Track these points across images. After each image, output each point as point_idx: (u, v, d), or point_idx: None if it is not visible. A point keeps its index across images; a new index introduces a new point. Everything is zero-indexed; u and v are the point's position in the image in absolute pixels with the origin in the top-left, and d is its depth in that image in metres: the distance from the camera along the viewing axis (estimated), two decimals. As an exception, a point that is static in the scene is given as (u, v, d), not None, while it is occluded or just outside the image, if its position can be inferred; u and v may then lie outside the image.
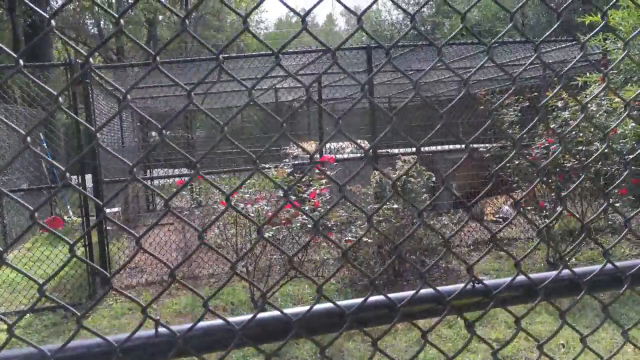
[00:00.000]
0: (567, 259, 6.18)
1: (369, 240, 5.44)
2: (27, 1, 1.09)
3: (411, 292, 0.99)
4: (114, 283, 6.55)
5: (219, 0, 28.70)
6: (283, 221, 5.05)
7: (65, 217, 12.06)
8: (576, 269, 1.08)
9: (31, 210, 0.81)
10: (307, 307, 0.95)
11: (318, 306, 0.95)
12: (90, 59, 0.88)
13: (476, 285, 1.03)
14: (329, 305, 0.96)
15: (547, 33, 1.21)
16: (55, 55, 25.84)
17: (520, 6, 1.31)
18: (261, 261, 5.42)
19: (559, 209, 6.48)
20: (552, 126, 6.33)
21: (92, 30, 31.36)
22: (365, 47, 7.49)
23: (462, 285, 1.04)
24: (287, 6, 1.08)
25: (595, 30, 1.24)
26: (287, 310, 0.97)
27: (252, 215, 5.08)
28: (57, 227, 10.91)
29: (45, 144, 12.11)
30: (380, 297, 0.98)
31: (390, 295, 1.00)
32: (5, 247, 0.85)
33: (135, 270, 6.97)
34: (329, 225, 5.05)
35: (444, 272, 6.36)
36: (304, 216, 5.03)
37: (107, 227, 6.59)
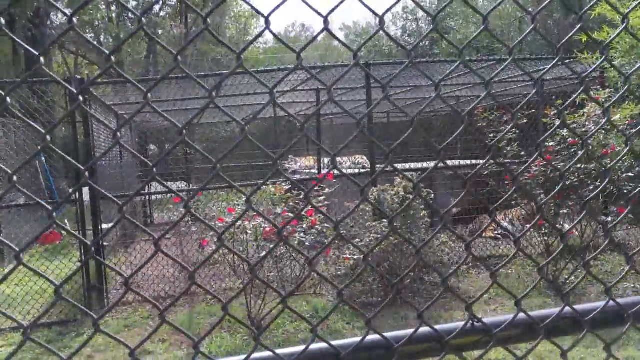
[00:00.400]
0: (567, 276, 6.15)
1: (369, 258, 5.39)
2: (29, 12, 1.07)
3: (409, 331, 0.96)
4: (111, 300, 6.51)
5: (218, 15, 28.87)
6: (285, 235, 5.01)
7: (63, 232, 12.00)
8: (578, 307, 1.06)
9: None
10: (301, 348, 0.92)
11: (313, 346, 0.92)
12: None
13: (476, 324, 1.00)
14: (323, 345, 0.93)
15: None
16: (55, 69, 25.94)
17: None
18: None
19: (560, 226, 6.46)
20: (550, 144, 6.32)
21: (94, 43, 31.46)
22: (364, 64, 7.50)
23: (461, 323, 1.01)
24: (310, 6, 1.04)
25: (615, 35, 1.23)
26: (280, 351, 0.95)
27: (250, 232, 5.05)
28: (55, 241, 10.89)
29: (44, 159, 12.10)
30: (377, 337, 0.95)
31: (388, 334, 0.97)
32: (21, 249, 0.84)
33: (132, 286, 6.90)
34: (326, 242, 5.01)
35: (443, 288, 6.30)
36: (301, 234, 5.00)
37: (104, 243, 6.55)
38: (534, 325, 1.02)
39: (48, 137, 0.85)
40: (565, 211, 6.39)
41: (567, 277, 6.17)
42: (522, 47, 18.84)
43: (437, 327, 1.03)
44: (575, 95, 1.14)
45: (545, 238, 6.35)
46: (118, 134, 0.88)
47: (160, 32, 33.27)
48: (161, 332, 5.39)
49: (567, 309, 1.02)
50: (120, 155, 10.29)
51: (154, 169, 0.89)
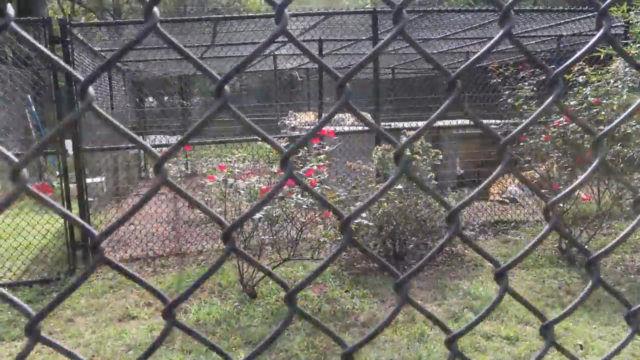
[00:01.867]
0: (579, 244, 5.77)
1: (370, 223, 4.99)
2: None
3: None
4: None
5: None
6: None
7: (54, 184, 11.62)
8: None
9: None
10: None
11: None
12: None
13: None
14: None
15: None
16: (50, 15, 24.99)
17: None
18: (252, 241, 4.99)
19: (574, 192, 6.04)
20: (572, 103, 5.83)
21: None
22: (371, 11, 6.92)
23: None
24: None
25: None
26: None
27: (243, 191, 4.63)
28: (45, 193, 10.50)
29: (33, 107, 11.59)
30: None
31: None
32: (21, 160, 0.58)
33: (119, 244, 6.55)
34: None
35: (448, 256, 5.95)
36: (298, 195, 4.58)
37: (89, 199, 6.14)
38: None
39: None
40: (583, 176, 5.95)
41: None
42: (537, 1, 18.01)
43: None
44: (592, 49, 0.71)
45: (560, 204, 5.92)
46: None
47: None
48: (146, 295, 5.05)
49: None
50: (111, 105, 9.78)
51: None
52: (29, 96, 10.71)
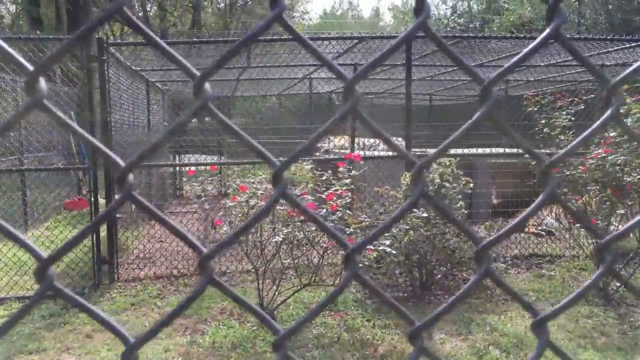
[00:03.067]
0: (617, 284, 5.47)
1: (393, 251, 4.86)
2: None
3: None
4: (121, 274, 6.20)
5: (263, -13, 28.40)
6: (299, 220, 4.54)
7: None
8: None
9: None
10: None
11: None
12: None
13: None
14: None
15: None
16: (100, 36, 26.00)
17: None
18: (272, 264, 4.92)
19: (612, 227, 5.76)
20: (611, 134, 5.60)
21: (138, 12, 31.48)
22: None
23: None
24: None
25: None
26: None
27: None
28: (83, 208, 10.75)
29: (76, 123, 11.96)
30: None
31: None
32: None
33: (144, 261, 6.58)
34: (348, 231, 4.50)
35: (477, 289, 5.72)
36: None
37: (117, 215, 6.22)
38: None
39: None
40: (622, 211, 5.67)
41: (618, 285, 5.47)
42: (580, 29, 17.63)
43: None
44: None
45: (598, 240, 5.63)
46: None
47: (205, 3, 33.02)
48: (166, 314, 5.02)
49: None
50: (148, 122, 9.98)
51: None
52: (72, 113, 11.06)
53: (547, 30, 0.61)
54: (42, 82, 0.54)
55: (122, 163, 0.55)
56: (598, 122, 0.64)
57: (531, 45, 0.64)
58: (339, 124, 0.63)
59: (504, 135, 0.64)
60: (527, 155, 6.68)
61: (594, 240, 5.90)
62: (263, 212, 0.67)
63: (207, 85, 0.57)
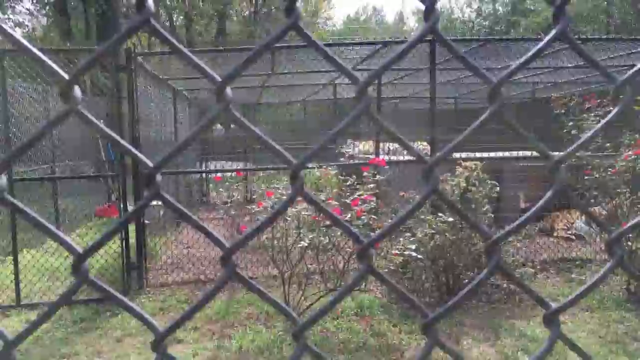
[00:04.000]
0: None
1: (419, 256, 4.83)
2: None
3: None
4: (150, 280, 6.30)
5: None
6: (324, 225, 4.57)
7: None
8: None
9: None
10: None
11: None
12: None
13: None
14: None
15: None
16: (128, 45, 26.54)
17: None
18: (298, 268, 4.95)
19: (644, 231, 5.61)
20: (636, 136, 5.48)
21: (165, 22, 32.04)
22: (429, 40, 6.83)
23: None
24: None
25: None
26: None
27: (289, 218, 4.61)
28: (112, 215, 10.97)
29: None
30: None
31: None
32: None
33: (172, 267, 6.68)
34: (371, 234, 4.50)
35: (505, 294, 5.65)
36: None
37: (145, 221, 6.33)
38: None
39: None
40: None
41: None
42: (609, 29, 17.29)
43: None
44: None
45: (629, 243, 5.51)
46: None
47: (230, 11, 33.43)
48: (195, 319, 5.09)
49: None
50: (175, 131, 10.14)
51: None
52: (101, 122, 11.32)
53: (553, 32, 0.62)
54: (77, 90, 0.58)
55: (150, 163, 0.57)
56: (605, 120, 0.65)
57: (537, 46, 0.65)
58: (352, 125, 0.64)
59: (516, 135, 0.64)
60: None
61: (627, 244, 5.76)
62: (282, 207, 0.68)
63: (228, 90, 0.59)
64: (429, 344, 0.63)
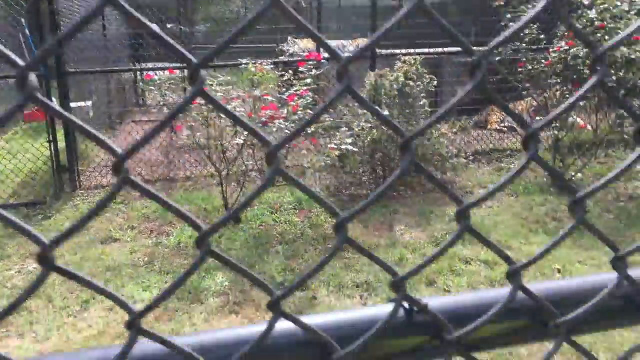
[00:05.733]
0: (573, 173, 5.67)
1: (355, 150, 4.89)
2: None
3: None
4: (83, 182, 6.14)
5: None
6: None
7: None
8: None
9: None
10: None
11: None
12: None
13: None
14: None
15: None
16: None
17: None
18: (235, 167, 4.92)
19: (570, 119, 5.85)
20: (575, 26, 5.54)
21: None
22: None
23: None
24: None
25: None
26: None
27: (224, 118, 4.50)
28: (41, 119, 10.42)
29: (27, 31, 11.28)
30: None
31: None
32: None
33: (107, 169, 6.50)
34: (310, 131, 4.48)
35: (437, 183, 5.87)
36: (282, 120, 4.45)
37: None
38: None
39: None
40: (581, 103, 5.76)
41: (573, 174, 5.67)
42: None
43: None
44: None
45: (555, 132, 5.75)
46: None
47: None
48: (131, 219, 5.05)
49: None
50: (103, 26, 9.47)
51: None
52: (23, 20, 10.44)
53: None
54: None
55: (119, 150, 0.48)
56: (582, 90, 0.60)
57: (524, 19, 0.58)
58: (335, 105, 0.57)
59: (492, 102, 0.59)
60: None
61: (552, 133, 6.00)
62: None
63: (203, 72, 0.51)
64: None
